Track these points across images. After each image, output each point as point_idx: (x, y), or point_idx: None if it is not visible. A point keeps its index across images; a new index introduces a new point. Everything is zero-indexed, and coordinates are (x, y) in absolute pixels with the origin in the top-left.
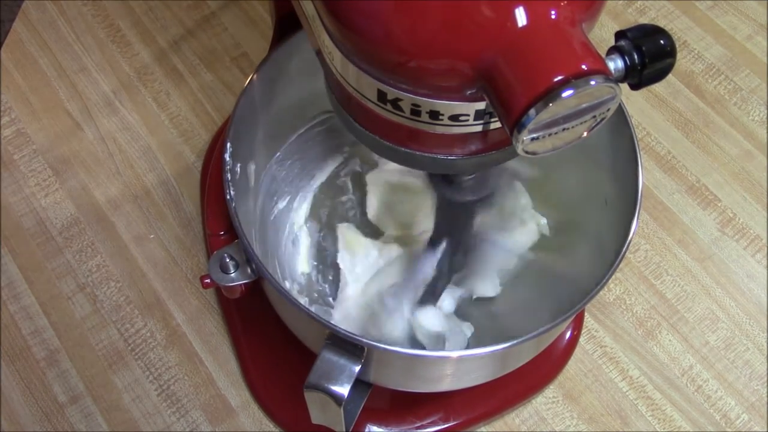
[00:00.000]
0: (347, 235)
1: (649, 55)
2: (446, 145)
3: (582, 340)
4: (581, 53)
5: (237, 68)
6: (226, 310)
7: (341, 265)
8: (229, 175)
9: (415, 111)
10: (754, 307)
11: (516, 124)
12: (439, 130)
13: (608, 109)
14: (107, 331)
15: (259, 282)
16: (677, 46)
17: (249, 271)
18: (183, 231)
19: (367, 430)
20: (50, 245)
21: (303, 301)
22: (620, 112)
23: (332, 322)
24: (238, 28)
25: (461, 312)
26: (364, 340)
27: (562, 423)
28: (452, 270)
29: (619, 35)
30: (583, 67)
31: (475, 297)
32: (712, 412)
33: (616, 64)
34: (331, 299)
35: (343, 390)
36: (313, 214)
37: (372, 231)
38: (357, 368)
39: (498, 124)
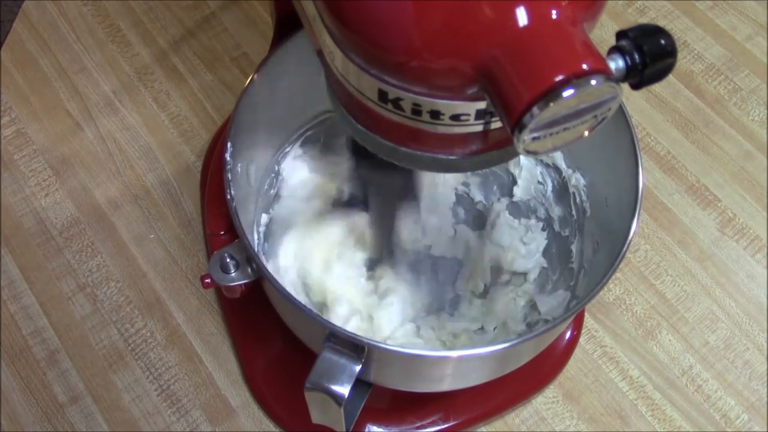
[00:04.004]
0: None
1: (650, 54)
2: (447, 144)
3: (582, 340)
4: (582, 53)
5: (237, 68)
6: (226, 310)
7: None
8: (229, 175)
9: (416, 110)
10: (754, 307)
11: (517, 123)
12: (440, 129)
13: (609, 109)
14: (107, 331)
15: (259, 282)
16: (677, 46)
17: (249, 270)
18: (183, 231)
19: (367, 430)
20: (50, 245)
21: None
22: (620, 112)
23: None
24: (238, 28)
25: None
26: (365, 340)
27: (562, 423)
28: None
29: (620, 35)
30: (584, 66)
31: None
32: (712, 412)
33: (617, 64)
34: None
35: (344, 390)
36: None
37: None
38: (357, 368)
39: (499, 124)
